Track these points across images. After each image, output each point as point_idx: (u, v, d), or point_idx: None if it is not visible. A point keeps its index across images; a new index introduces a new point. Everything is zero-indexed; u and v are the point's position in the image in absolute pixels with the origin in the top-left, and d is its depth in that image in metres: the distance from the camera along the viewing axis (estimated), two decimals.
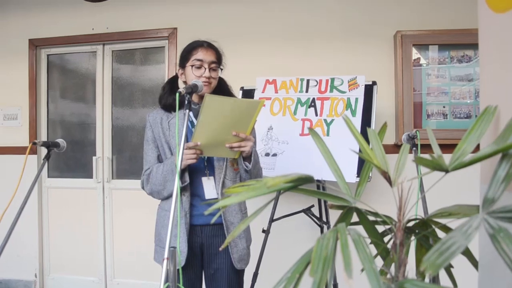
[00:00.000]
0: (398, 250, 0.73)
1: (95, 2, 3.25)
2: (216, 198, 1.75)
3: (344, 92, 2.56)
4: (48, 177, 3.59)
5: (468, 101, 2.85)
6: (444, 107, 2.87)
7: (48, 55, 3.59)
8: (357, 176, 2.36)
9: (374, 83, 2.60)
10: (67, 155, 3.57)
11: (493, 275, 0.78)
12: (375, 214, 0.80)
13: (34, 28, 3.49)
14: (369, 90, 2.56)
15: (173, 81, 1.89)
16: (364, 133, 0.84)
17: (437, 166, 0.70)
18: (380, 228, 0.86)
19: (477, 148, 0.76)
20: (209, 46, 1.80)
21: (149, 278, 3.26)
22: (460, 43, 2.82)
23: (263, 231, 2.52)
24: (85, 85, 3.59)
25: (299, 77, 2.69)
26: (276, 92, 2.71)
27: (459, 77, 2.87)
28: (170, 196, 1.72)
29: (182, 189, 1.70)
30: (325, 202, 2.59)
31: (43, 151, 3.31)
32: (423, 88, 2.89)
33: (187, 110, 1.52)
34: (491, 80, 0.85)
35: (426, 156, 0.71)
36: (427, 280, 0.72)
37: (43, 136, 3.57)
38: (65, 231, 3.49)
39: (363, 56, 2.99)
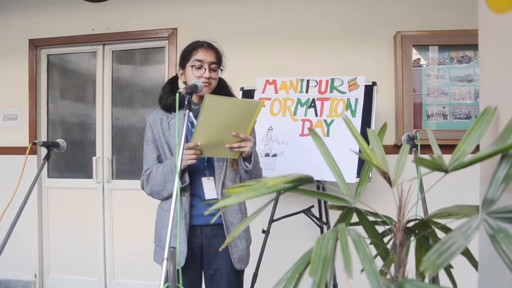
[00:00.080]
0: (398, 251, 0.73)
1: (95, 3, 3.25)
2: (216, 199, 1.75)
3: (344, 93, 2.56)
4: (48, 177, 3.59)
5: (468, 102, 2.85)
6: (444, 107, 2.87)
7: (48, 55, 3.59)
8: (357, 177, 2.36)
9: (374, 83, 2.60)
10: (67, 155, 3.57)
11: (492, 276, 0.78)
12: (375, 215, 0.80)
13: (34, 28, 3.49)
14: (369, 91, 2.56)
15: (173, 81, 1.89)
16: (364, 133, 0.84)
17: (437, 167, 0.70)
18: (380, 229, 0.86)
19: (477, 148, 0.76)
20: (209, 46, 1.80)
21: (149, 279, 3.26)
22: (460, 43, 2.82)
23: (263, 231, 2.52)
24: (85, 85, 3.59)
25: (299, 78, 2.69)
26: (276, 92, 2.71)
27: (459, 78, 2.87)
28: (170, 196, 1.72)
29: (182, 190, 1.70)
30: (325, 202, 2.59)
31: (43, 151, 3.32)
32: (423, 88, 2.89)
33: (187, 111, 1.52)
34: (491, 80, 0.85)
35: (426, 156, 0.71)
36: (426, 280, 0.72)
37: (43, 136, 3.57)
38: (65, 232, 3.49)
39: (363, 56, 2.99)
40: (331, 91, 2.59)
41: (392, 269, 0.75)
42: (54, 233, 3.53)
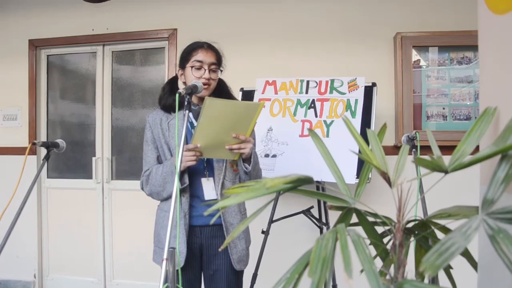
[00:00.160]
0: (397, 251, 0.73)
1: (95, 3, 3.25)
2: (216, 199, 1.75)
3: (344, 94, 2.56)
4: (48, 177, 3.59)
5: (468, 103, 2.85)
6: (443, 108, 2.88)
7: (48, 56, 3.59)
8: (357, 177, 2.36)
9: (374, 84, 2.60)
10: (67, 155, 3.57)
11: (492, 276, 0.78)
12: (375, 215, 0.80)
13: (34, 28, 3.50)
14: (369, 92, 2.56)
15: (173, 81, 1.89)
16: (364, 134, 0.84)
17: (436, 167, 0.70)
18: (380, 229, 0.86)
19: (477, 149, 0.76)
20: (209, 47, 1.80)
21: (148, 279, 3.25)
22: (460, 44, 2.82)
23: (263, 232, 2.52)
24: (85, 85, 3.59)
25: (299, 78, 2.69)
26: (276, 93, 2.71)
27: (459, 79, 2.87)
28: (169, 197, 1.72)
29: (182, 190, 1.70)
30: (324, 203, 2.59)
31: (43, 151, 3.31)
32: (423, 89, 2.90)
33: (187, 111, 1.52)
34: (491, 81, 0.85)
35: (426, 157, 0.71)
36: (426, 281, 0.72)
37: (42, 137, 3.57)
38: (65, 232, 3.49)
39: (363, 57, 2.99)
40: (331, 92, 2.60)
41: (392, 269, 0.75)
42: (53, 233, 3.53)
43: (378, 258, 0.84)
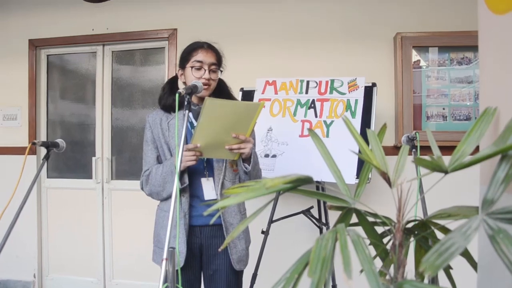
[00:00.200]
0: (397, 251, 0.73)
1: (95, 3, 3.25)
2: (215, 199, 1.75)
3: (344, 94, 2.56)
4: (48, 177, 3.58)
5: (468, 103, 2.85)
6: (443, 109, 2.87)
7: (48, 56, 3.59)
8: (357, 178, 2.36)
9: (374, 84, 2.60)
10: (67, 155, 3.57)
11: (492, 277, 0.78)
12: (375, 215, 0.80)
13: (34, 28, 3.49)
14: (369, 92, 2.56)
15: (173, 81, 1.89)
16: (363, 134, 0.84)
17: (436, 167, 0.70)
18: (380, 229, 0.86)
19: (477, 149, 0.76)
20: (209, 47, 1.80)
21: (148, 279, 3.25)
22: (460, 45, 2.82)
23: (262, 232, 2.51)
24: (85, 85, 3.59)
25: (299, 78, 2.69)
26: (276, 93, 2.71)
27: (459, 79, 2.87)
28: (169, 197, 1.72)
29: (182, 190, 1.70)
30: (324, 203, 2.59)
31: (43, 151, 3.31)
32: (423, 90, 2.90)
33: (187, 111, 1.52)
34: (491, 81, 0.85)
35: (426, 157, 0.71)
36: (426, 281, 0.72)
37: (42, 137, 3.57)
38: (64, 232, 3.48)
39: (363, 57, 2.99)
40: (331, 92, 2.59)
41: (392, 269, 0.75)
42: (53, 233, 3.53)
43: (378, 258, 0.84)
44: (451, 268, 0.85)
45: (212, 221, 1.68)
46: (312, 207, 2.64)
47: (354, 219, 0.82)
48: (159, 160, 1.81)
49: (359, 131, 2.40)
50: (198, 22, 3.22)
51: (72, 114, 3.62)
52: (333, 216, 2.53)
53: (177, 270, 1.43)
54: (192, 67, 1.75)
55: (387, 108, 2.94)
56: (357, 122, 2.46)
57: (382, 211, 0.76)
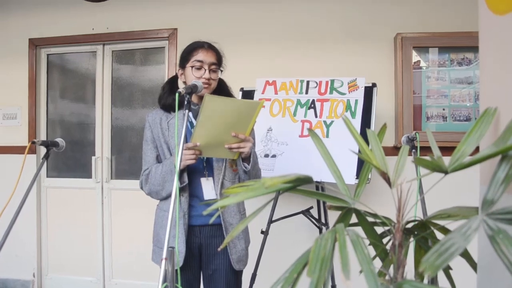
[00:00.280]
0: (397, 252, 0.73)
1: (95, 2, 3.25)
2: (215, 199, 1.75)
3: (344, 94, 2.56)
4: (47, 176, 3.58)
5: (468, 104, 2.85)
6: (443, 109, 2.87)
7: (48, 55, 3.59)
8: (356, 178, 2.36)
9: (374, 85, 2.60)
10: (66, 155, 3.57)
11: (492, 277, 0.78)
12: (374, 215, 0.80)
13: (34, 27, 3.49)
14: (369, 92, 2.56)
15: (173, 81, 1.89)
16: (363, 135, 0.84)
17: (436, 167, 0.70)
18: (379, 229, 0.86)
19: (477, 149, 0.75)
20: (209, 47, 1.80)
21: (147, 279, 3.25)
22: (460, 45, 2.82)
23: (262, 232, 2.51)
24: (85, 85, 3.59)
25: (299, 79, 2.69)
26: (276, 93, 2.71)
27: (459, 80, 2.87)
28: (168, 196, 1.72)
29: (181, 190, 1.70)
30: (324, 203, 2.59)
31: (42, 150, 3.31)
32: (423, 90, 2.89)
33: (187, 111, 1.52)
34: (491, 81, 0.85)
35: (426, 157, 0.71)
36: (425, 281, 0.72)
37: (42, 136, 3.57)
38: (64, 231, 3.48)
39: (363, 57, 2.99)
40: (331, 92, 2.59)
41: (391, 270, 0.75)
42: (53, 232, 3.53)
43: (378, 259, 0.83)
44: (451, 269, 0.84)
45: (211, 220, 1.67)
46: (311, 207, 2.64)
47: (353, 219, 0.82)
48: (158, 160, 1.81)
49: (359, 131, 2.39)
50: (198, 22, 3.22)
51: (72, 113, 3.61)
52: (333, 216, 2.54)
53: (176, 270, 1.42)
54: (192, 66, 1.75)
55: (387, 108, 2.94)
56: (357, 123, 2.46)
57: (381, 211, 0.76)
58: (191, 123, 1.78)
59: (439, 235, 0.79)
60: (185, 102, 1.53)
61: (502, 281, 0.73)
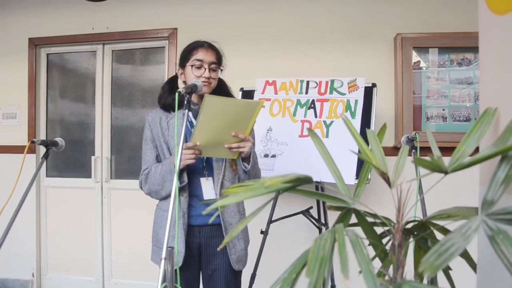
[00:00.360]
0: (396, 252, 0.73)
1: (95, 2, 3.24)
2: (215, 199, 1.74)
3: (343, 94, 2.56)
4: (47, 176, 3.58)
5: (468, 104, 2.85)
6: (443, 110, 2.87)
7: (48, 54, 3.59)
8: (356, 178, 2.36)
9: (374, 85, 2.60)
10: (66, 154, 3.57)
11: (491, 277, 0.78)
12: (374, 216, 0.79)
13: (34, 27, 3.49)
14: (368, 92, 2.56)
15: (173, 81, 1.89)
16: (363, 135, 0.84)
17: (436, 168, 0.70)
18: (379, 230, 0.85)
19: (477, 150, 0.75)
20: (209, 46, 1.80)
21: (147, 279, 3.25)
22: (460, 46, 2.82)
23: (262, 232, 2.51)
24: (84, 84, 3.59)
25: (299, 79, 2.69)
26: (276, 93, 2.71)
27: (459, 80, 2.87)
28: (168, 196, 1.72)
29: (181, 190, 1.70)
30: (323, 203, 2.59)
31: (42, 150, 3.30)
32: (423, 91, 2.89)
33: (186, 110, 1.51)
34: (491, 81, 0.85)
35: (426, 157, 0.71)
36: (425, 281, 0.71)
37: (42, 136, 3.57)
38: (63, 231, 3.48)
39: (363, 57, 2.99)
40: (330, 92, 2.59)
41: (391, 270, 0.75)
42: (52, 232, 3.52)
43: (377, 259, 0.83)
44: (450, 269, 0.84)
45: (210, 220, 1.67)
46: (311, 207, 2.64)
47: (353, 219, 0.82)
48: (158, 159, 1.81)
49: (358, 131, 2.39)
50: (198, 22, 3.22)
51: (71, 113, 3.61)
52: (333, 216, 2.53)
53: (175, 270, 1.42)
54: (192, 65, 1.75)
55: (387, 108, 2.94)
56: (357, 123, 2.46)
57: (381, 211, 0.76)
58: (191, 122, 1.78)
59: (438, 235, 0.79)
60: (185, 102, 1.53)
61: (502, 282, 0.73)
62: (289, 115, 2.63)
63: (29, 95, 3.50)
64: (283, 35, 3.11)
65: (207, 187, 1.76)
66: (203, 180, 1.76)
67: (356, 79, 2.56)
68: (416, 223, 0.82)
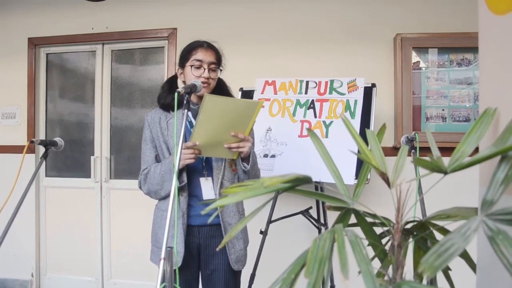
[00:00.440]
0: (396, 252, 0.73)
1: (95, 2, 3.24)
2: (214, 199, 1.74)
3: (343, 94, 2.56)
4: (46, 176, 3.58)
5: (467, 105, 2.85)
6: (443, 110, 2.87)
7: (47, 54, 3.58)
8: (356, 178, 2.36)
9: (373, 85, 2.60)
10: (65, 154, 3.56)
11: (491, 278, 0.78)
12: (373, 216, 0.79)
13: (34, 27, 3.49)
14: (368, 92, 2.56)
15: (172, 80, 1.88)
16: (363, 135, 0.84)
17: (436, 168, 0.69)
18: (378, 230, 0.85)
19: (476, 150, 0.75)
20: (209, 46, 1.80)
21: (146, 279, 3.24)
22: (460, 46, 2.82)
23: (261, 232, 2.51)
24: (84, 84, 3.58)
25: (299, 79, 2.69)
26: (275, 93, 2.71)
27: (459, 81, 2.87)
28: (167, 196, 1.72)
29: (180, 189, 1.70)
30: (323, 203, 2.59)
31: (41, 150, 3.30)
32: (423, 91, 2.89)
33: (186, 110, 1.51)
34: (491, 81, 0.85)
35: (425, 157, 0.71)
36: (424, 282, 0.71)
37: (41, 135, 3.56)
38: (63, 231, 3.48)
39: (363, 58, 2.99)
40: (330, 93, 2.59)
41: (390, 270, 0.74)
42: (51, 232, 3.52)
43: (376, 259, 0.83)
44: (450, 270, 0.84)
45: (210, 220, 1.67)
46: (310, 207, 2.64)
47: (352, 219, 0.82)
48: (157, 159, 1.81)
49: (358, 131, 2.39)
50: (198, 22, 3.21)
51: (71, 113, 3.61)
52: (332, 216, 2.53)
53: (175, 270, 1.42)
54: (191, 65, 1.75)
55: (387, 109, 2.94)
56: (356, 123, 2.46)
57: (381, 211, 0.76)
58: (190, 122, 1.77)
59: (438, 235, 0.79)
60: (184, 102, 1.52)
61: (501, 282, 0.73)
62: (288, 115, 2.63)
63: (28, 95, 3.49)
64: (283, 35, 3.11)
65: (207, 187, 1.76)
66: (202, 180, 1.76)
67: (355, 79, 2.56)
68: (415, 223, 0.81)
